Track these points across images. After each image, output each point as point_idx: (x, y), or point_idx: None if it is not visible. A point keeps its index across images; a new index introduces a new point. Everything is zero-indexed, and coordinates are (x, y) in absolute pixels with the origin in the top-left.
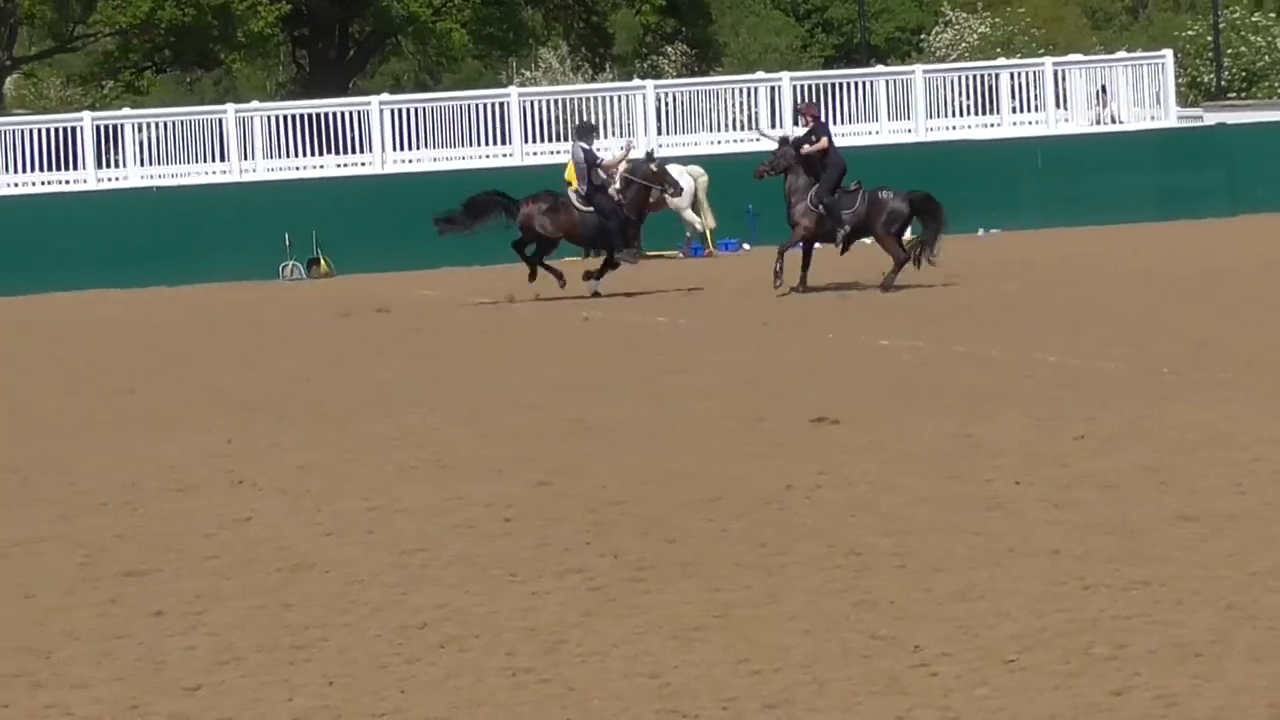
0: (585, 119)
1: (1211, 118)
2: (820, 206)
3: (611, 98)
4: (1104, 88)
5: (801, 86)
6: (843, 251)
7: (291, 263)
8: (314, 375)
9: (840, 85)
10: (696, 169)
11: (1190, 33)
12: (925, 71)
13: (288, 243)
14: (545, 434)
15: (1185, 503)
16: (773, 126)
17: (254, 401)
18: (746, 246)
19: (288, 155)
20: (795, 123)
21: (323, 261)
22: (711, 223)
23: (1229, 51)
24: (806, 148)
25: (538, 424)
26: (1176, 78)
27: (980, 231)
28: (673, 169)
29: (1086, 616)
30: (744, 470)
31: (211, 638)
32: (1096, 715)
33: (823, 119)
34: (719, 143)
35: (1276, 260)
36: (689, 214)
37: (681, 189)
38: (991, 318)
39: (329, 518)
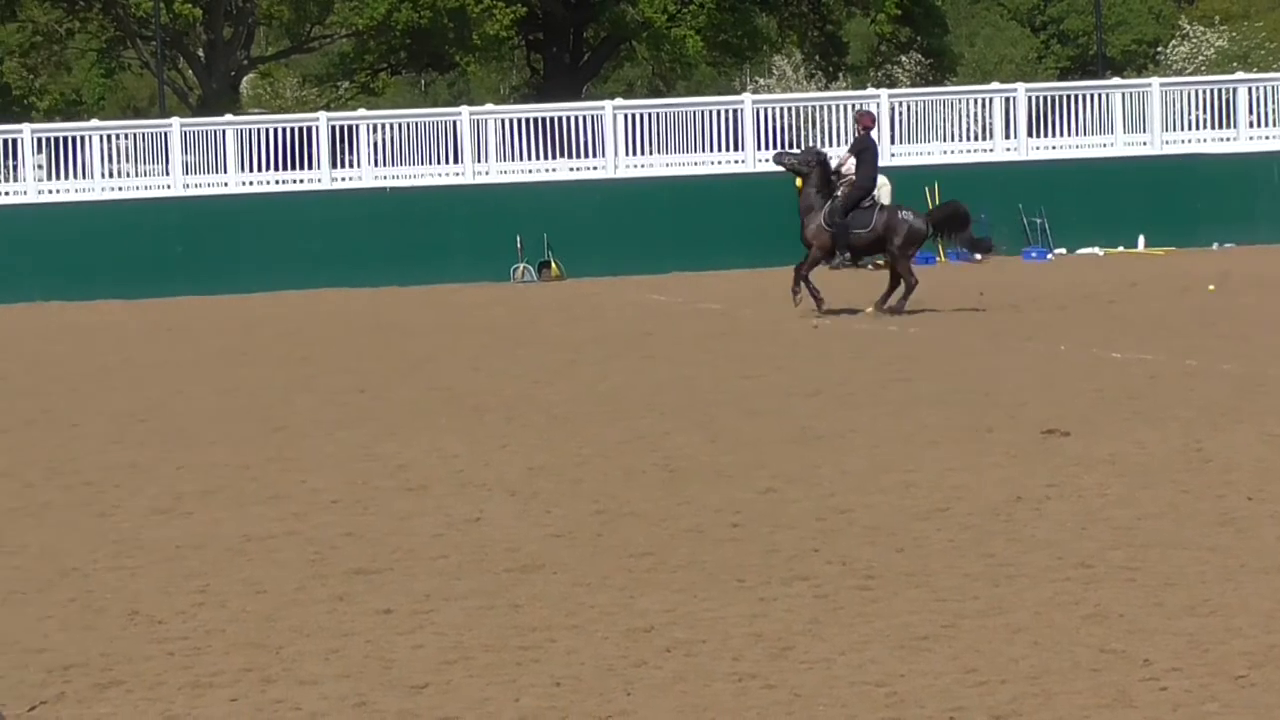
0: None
1: None
2: (833, 226)
3: (845, 106)
4: None
5: (1036, 98)
6: (837, 267)
7: (523, 265)
8: (544, 378)
9: (1075, 97)
10: (880, 177)
11: None
12: (1162, 84)
13: (519, 245)
14: (774, 440)
15: None
16: (1007, 137)
17: (484, 403)
18: (978, 256)
19: (521, 158)
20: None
21: (554, 264)
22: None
23: None
24: (834, 163)
25: (767, 430)
26: None
27: (1215, 245)
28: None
29: None
30: (973, 480)
31: (439, 637)
32: None
33: (873, 135)
34: (952, 152)
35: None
36: None
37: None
38: (1226, 331)
39: (558, 520)
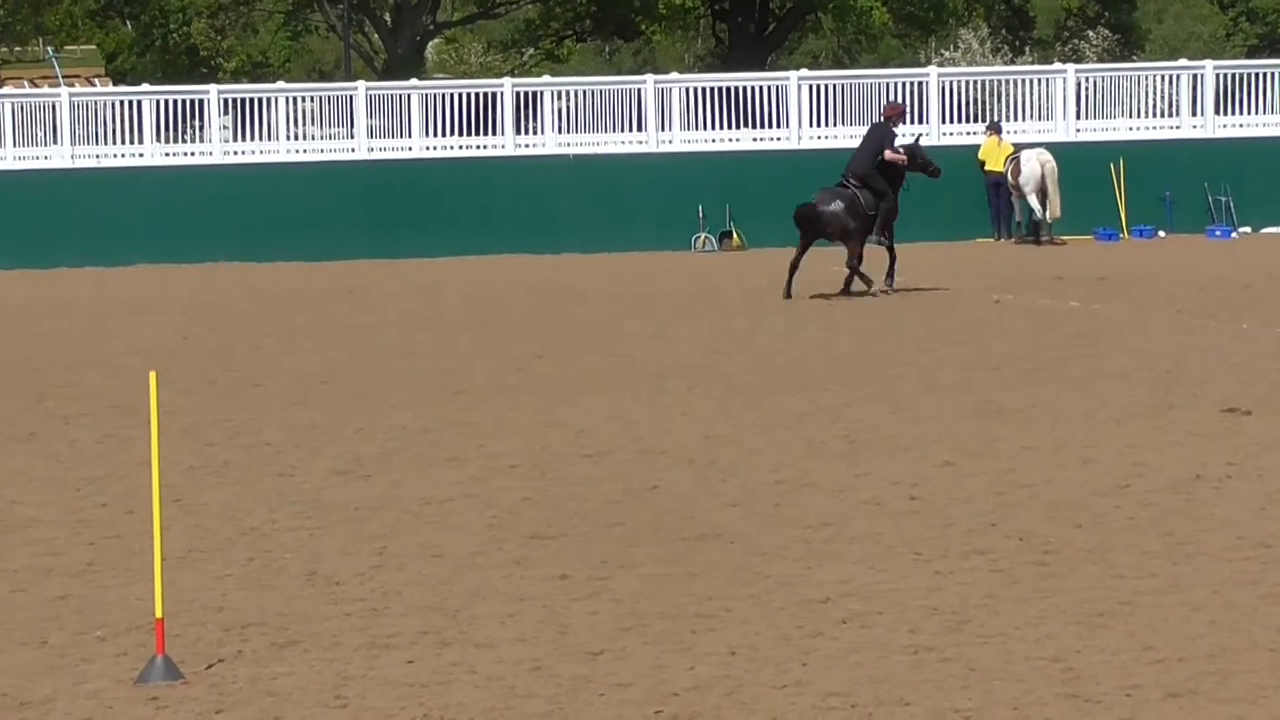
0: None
1: None
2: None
3: (1031, 80)
4: None
5: (1224, 75)
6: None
7: (704, 234)
8: (725, 348)
9: (1264, 75)
10: (1045, 154)
11: None
12: None
13: (701, 214)
14: (954, 414)
15: None
16: (1194, 114)
17: (665, 371)
18: (1162, 234)
19: (704, 128)
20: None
21: (735, 234)
22: (1056, 213)
23: None
24: (890, 155)
25: (947, 404)
26: None
27: None
28: (1023, 155)
29: None
30: (1154, 458)
31: (615, 604)
32: None
33: (894, 126)
34: (1138, 129)
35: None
36: (1032, 199)
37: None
38: None
39: (735, 489)
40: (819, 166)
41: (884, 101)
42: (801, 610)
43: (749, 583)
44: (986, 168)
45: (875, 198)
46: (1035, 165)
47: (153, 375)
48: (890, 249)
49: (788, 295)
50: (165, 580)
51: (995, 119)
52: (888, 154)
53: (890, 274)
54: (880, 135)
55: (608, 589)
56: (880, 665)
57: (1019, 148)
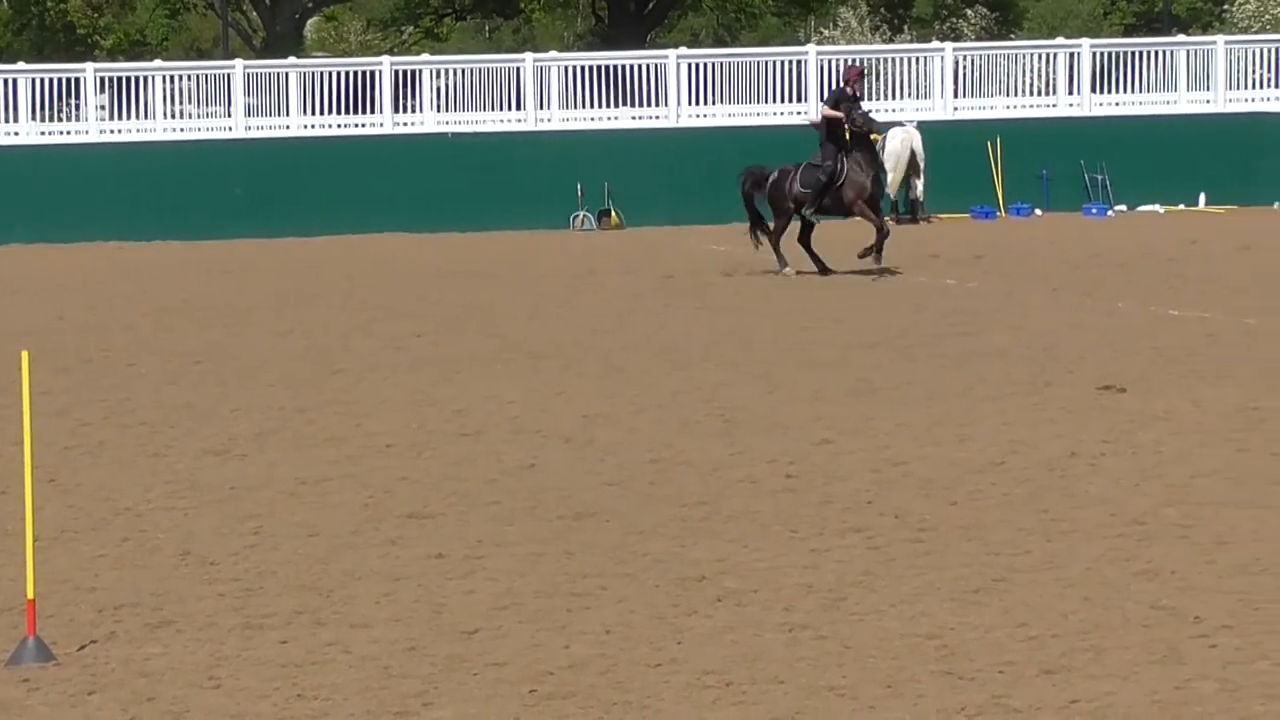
0: None
1: None
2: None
3: (909, 59)
4: None
5: (1101, 54)
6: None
7: (583, 213)
8: (602, 326)
9: (1140, 54)
10: (911, 132)
11: None
12: (1227, 42)
13: (580, 193)
14: (831, 393)
15: None
16: (1071, 93)
17: (542, 350)
18: (1039, 212)
19: (583, 106)
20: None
21: (614, 213)
22: (916, 193)
23: None
24: (827, 111)
25: (824, 383)
26: None
27: (1276, 205)
28: (889, 132)
29: None
30: (1029, 435)
31: (491, 582)
32: None
33: (847, 89)
34: (1015, 107)
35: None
36: (892, 176)
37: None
38: None
39: (612, 468)
40: (698, 145)
41: (763, 79)
42: (677, 588)
43: (625, 561)
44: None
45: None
46: (897, 144)
47: (25, 354)
48: (872, 219)
49: (824, 271)
50: (37, 561)
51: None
52: (825, 110)
53: (879, 248)
54: (828, 102)
55: (483, 568)
56: (755, 643)
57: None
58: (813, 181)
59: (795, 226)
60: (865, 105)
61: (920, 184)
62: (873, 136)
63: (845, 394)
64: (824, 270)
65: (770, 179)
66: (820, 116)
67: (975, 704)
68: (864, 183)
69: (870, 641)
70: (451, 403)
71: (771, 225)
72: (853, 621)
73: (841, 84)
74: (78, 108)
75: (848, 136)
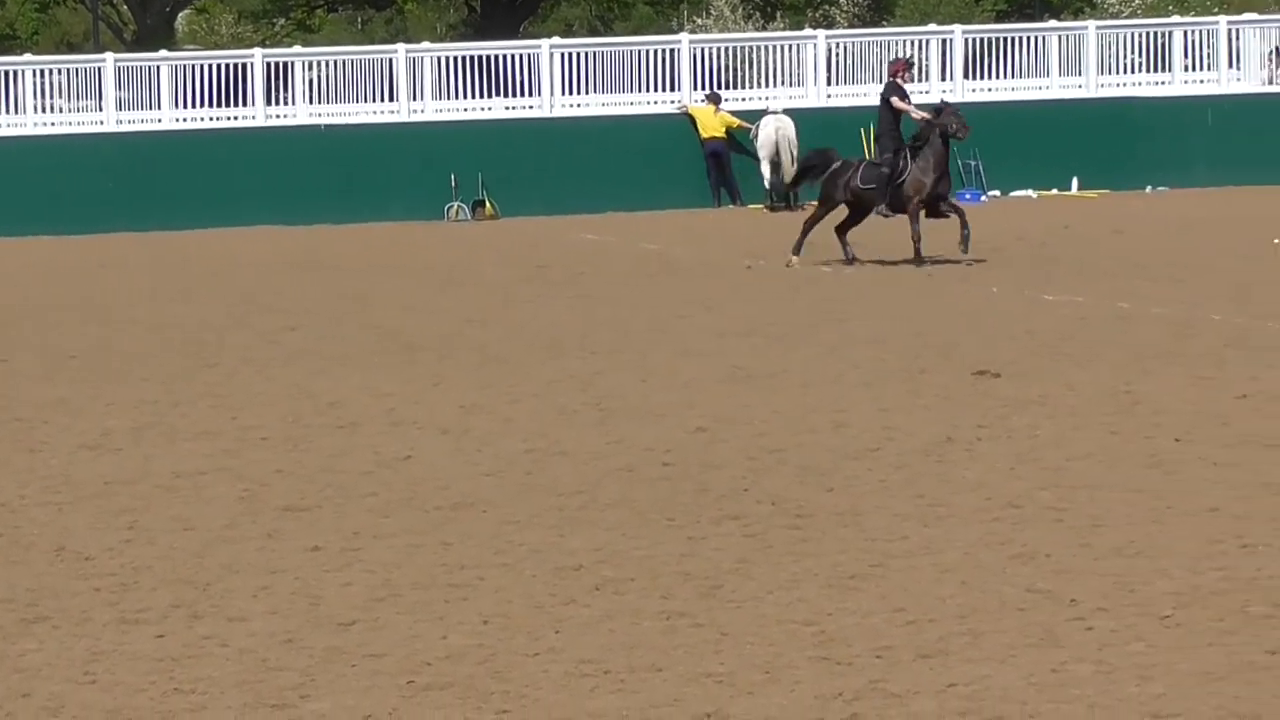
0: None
1: None
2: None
3: (782, 47)
4: (1278, 48)
5: (973, 40)
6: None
7: (457, 204)
8: (478, 317)
9: (1011, 39)
10: (783, 120)
11: None
12: (1098, 27)
13: (454, 184)
14: (706, 380)
15: None
16: (943, 79)
17: (418, 341)
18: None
19: (456, 97)
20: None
21: (488, 203)
22: (788, 181)
23: None
24: (898, 104)
25: (699, 370)
26: None
27: (1149, 189)
28: (762, 120)
29: (1244, 575)
30: (904, 421)
31: (368, 574)
32: (1251, 673)
33: (898, 80)
34: None
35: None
36: (764, 166)
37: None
38: (1157, 275)
39: (489, 458)
40: (572, 134)
41: (636, 68)
42: (555, 578)
43: (502, 551)
44: (704, 136)
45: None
46: (770, 130)
47: None
48: (947, 214)
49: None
50: None
51: (714, 89)
52: (895, 103)
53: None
54: (887, 94)
55: (361, 560)
56: (633, 631)
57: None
58: (875, 177)
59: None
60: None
61: (775, 173)
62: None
63: (721, 382)
64: (850, 260)
65: (831, 169)
66: (887, 108)
67: (853, 689)
68: (925, 183)
69: (748, 628)
70: (327, 395)
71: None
72: (730, 609)
73: (890, 77)
74: None
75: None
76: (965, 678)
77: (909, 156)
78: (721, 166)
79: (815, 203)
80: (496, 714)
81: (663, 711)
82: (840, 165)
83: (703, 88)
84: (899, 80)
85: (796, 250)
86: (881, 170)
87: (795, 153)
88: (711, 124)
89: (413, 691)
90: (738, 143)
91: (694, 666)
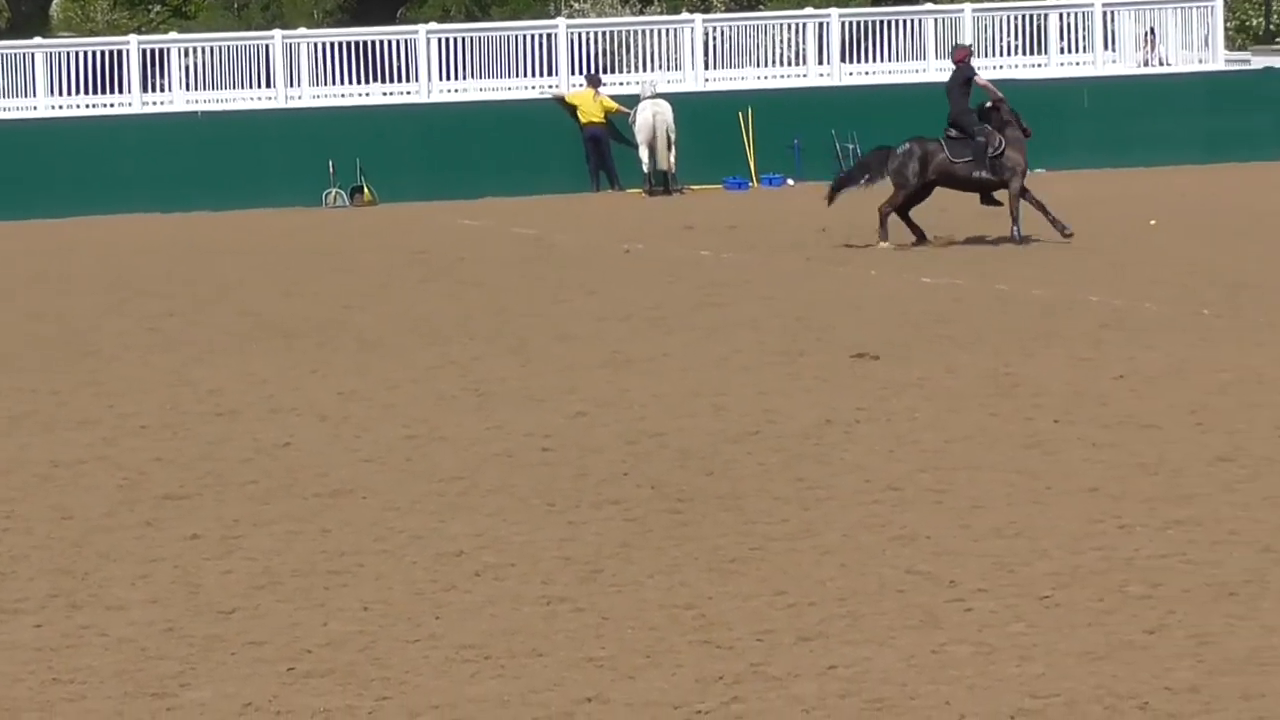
0: None
1: (1259, 61)
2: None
3: (659, 30)
4: (1152, 30)
5: (849, 23)
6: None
7: (335, 190)
8: (356, 303)
9: (888, 23)
10: (661, 105)
11: None
12: (974, 10)
13: (332, 170)
14: (586, 365)
15: (1224, 444)
16: (821, 62)
17: (296, 328)
18: (791, 182)
19: (334, 83)
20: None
21: (366, 190)
22: (663, 165)
23: None
24: (980, 80)
25: (579, 355)
26: (1225, 21)
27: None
28: (639, 104)
29: (1122, 555)
30: (784, 404)
31: (248, 562)
32: (1130, 653)
33: (968, 64)
34: (766, 78)
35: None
36: (643, 150)
37: None
38: (1034, 257)
39: (368, 445)
40: (450, 120)
41: (514, 54)
42: (435, 564)
43: (382, 538)
44: (583, 121)
45: (970, 139)
46: (648, 115)
47: None
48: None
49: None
50: None
51: (594, 72)
52: (979, 79)
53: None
54: (961, 78)
55: (240, 547)
56: (514, 617)
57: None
58: (969, 151)
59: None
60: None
61: (671, 156)
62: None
63: (600, 366)
64: (921, 239)
65: (893, 159)
66: (962, 90)
67: (734, 672)
68: (1022, 160)
69: (628, 613)
70: (206, 382)
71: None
72: (611, 593)
73: (956, 64)
74: None
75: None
76: (845, 660)
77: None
78: (601, 151)
79: (689, 187)
80: (377, 700)
81: (543, 696)
82: (904, 151)
83: (580, 72)
84: (967, 63)
85: (883, 236)
86: (977, 141)
87: (672, 137)
88: (591, 109)
89: (293, 679)
90: (616, 129)
91: (575, 651)
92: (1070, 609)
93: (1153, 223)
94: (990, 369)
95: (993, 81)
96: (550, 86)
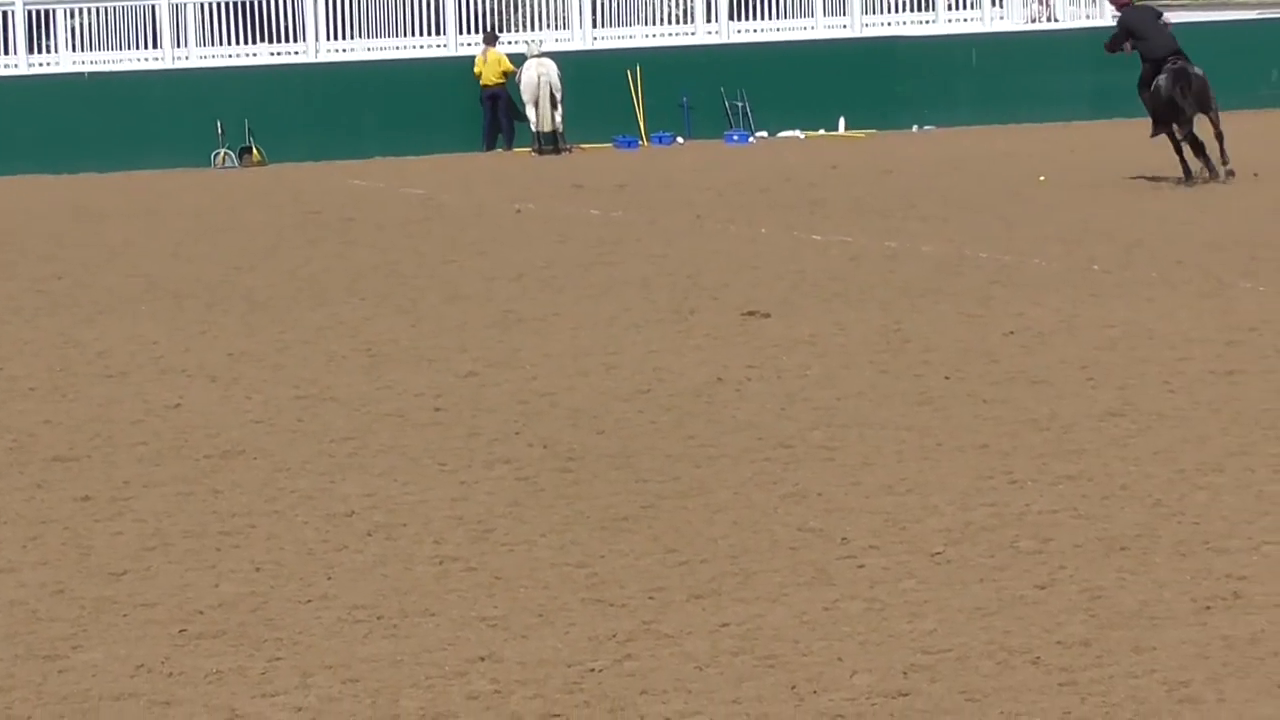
0: None
1: None
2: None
3: None
4: None
5: None
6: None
7: (223, 151)
8: (246, 264)
9: None
10: (546, 64)
11: None
12: None
13: (220, 131)
14: (476, 325)
15: (1114, 400)
16: (709, 20)
17: (184, 289)
18: (680, 140)
19: (221, 43)
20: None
21: (255, 150)
22: (545, 125)
23: None
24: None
25: (469, 315)
26: None
27: (915, 128)
28: (525, 64)
29: (1013, 511)
30: (675, 363)
31: (139, 524)
32: (1022, 608)
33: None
34: (654, 36)
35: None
36: (530, 110)
37: None
38: (924, 213)
39: (258, 405)
40: (337, 80)
41: (402, 12)
42: (326, 524)
43: (273, 499)
44: (483, 83)
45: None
46: (533, 75)
47: None
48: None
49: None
50: None
51: (492, 30)
52: (1168, 17)
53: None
54: (1154, 14)
55: (131, 509)
56: (406, 576)
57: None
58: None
59: None
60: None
61: (559, 115)
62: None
63: (491, 326)
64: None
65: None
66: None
67: (626, 630)
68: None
69: (521, 571)
70: (95, 344)
71: None
72: (503, 552)
73: (1118, 10)
74: None
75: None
76: (738, 617)
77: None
78: (499, 111)
79: (578, 146)
80: (269, 661)
81: (436, 656)
82: (1196, 73)
83: (467, 31)
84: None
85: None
86: (1194, 73)
87: (558, 96)
88: (488, 69)
89: (185, 640)
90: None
91: (467, 610)
92: (961, 565)
93: (1042, 179)
94: (881, 326)
95: (880, 39)
96: (439, 46)
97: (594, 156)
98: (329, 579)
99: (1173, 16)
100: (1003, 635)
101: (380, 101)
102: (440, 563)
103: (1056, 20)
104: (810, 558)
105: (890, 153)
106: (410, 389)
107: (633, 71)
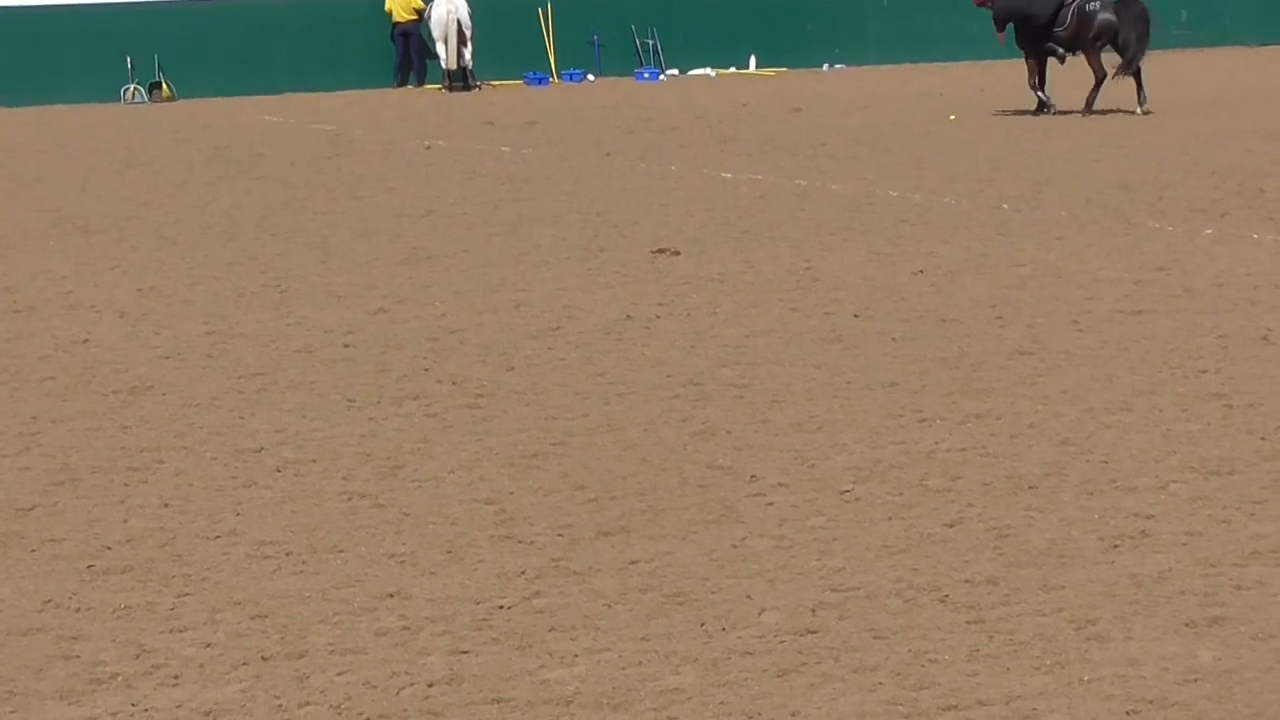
0: None
1: None
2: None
3: None
4: None
5: None
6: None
7: (133, 86)
8: (155, 199)
9: None
10: (456, 1)
11: None
12: None
13: (130, 66)
14: (386, 261)
15: (1022, 338)
16: None
17: (93, 224)
18: (591, 77)
19: None
20: None
21: (165, 85)
22: (452, 63)
23: None
24: None
25: (379, 251)
26: None
27: (825, 66)
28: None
29: (922, 449)
30: (584, 300)
31: (46, 459)
32: (930, 546)
33: None
34: None
35: (1122, 98)
36: (440, 47)
37: None
38: (834, 152)
39: (167, 341)
40: (248, 14)
41: None
42: (235, 460)
43: (182, 434)
44: (395, 20)
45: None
46: (442, 12)
47: None
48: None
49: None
50: None
51: None
52: None
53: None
54: None
55: (38, 444)
56: (314, 513)
57: None
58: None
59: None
60: None
61: (469, 52)
62: None
63: (400, 263)
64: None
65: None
66: None
67: (535, 567)
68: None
69: (429, 508)
70: (3, 279)
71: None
72: (411, 489)
73: None
74: None
75: None
76: (646, 554)
77: None
78: (410, 48)
79: (490, 83)
80: (177, 597)
81: (345, 592)
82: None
83: None
84: None
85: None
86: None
87: (468, 33)
88: (400, 6)
89: (93, 575)
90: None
91: (376, 547)
92: (870, 503)
93: (952, 118)
94: (790, 264)
95: None
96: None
97: (505, 94)
98: (237, 515)
99: None
100: (911, 573)
101: (291, 37)
102: (349, 499)
103: None
104: (719, 495)
105: (801, 91)
106: (320, 325)
107: (544, 9)
